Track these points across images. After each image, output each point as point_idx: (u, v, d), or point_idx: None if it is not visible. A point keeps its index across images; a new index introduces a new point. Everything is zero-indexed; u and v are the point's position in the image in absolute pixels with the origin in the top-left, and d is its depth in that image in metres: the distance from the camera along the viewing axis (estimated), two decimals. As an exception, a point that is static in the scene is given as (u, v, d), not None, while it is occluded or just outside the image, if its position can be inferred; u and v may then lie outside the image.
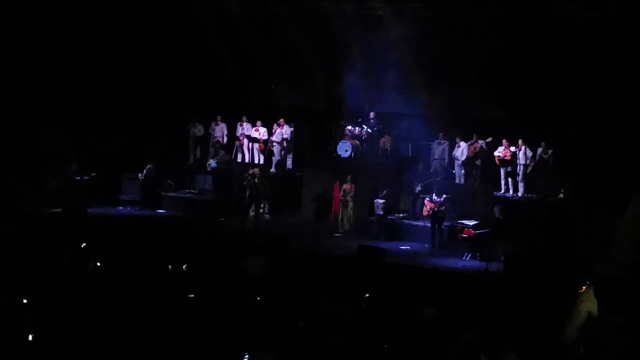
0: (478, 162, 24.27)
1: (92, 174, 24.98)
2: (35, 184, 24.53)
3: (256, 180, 23.14)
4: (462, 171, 24.36)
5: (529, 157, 23.46)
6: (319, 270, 16.53)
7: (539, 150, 23.35)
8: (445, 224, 22.25)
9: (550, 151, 23.21)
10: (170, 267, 14.63)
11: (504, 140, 23.69)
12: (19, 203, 22.72)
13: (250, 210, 23.34)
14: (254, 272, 14.51)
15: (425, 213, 22.52)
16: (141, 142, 26.71)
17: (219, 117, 27.26)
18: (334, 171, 24.66)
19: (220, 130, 27.25)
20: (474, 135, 24.15)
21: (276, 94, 28.10)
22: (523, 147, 23.46)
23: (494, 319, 12.42)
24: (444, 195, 22.17)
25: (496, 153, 23.88)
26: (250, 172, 23.54)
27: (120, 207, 25.56)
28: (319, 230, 23.76)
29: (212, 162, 26.28)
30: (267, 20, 27.16)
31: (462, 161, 24.19)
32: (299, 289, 13.83)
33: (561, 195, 23.26)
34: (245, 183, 23.53)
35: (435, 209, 21.98)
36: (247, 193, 23.29)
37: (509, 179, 23.99)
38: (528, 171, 23.53)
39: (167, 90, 27.16)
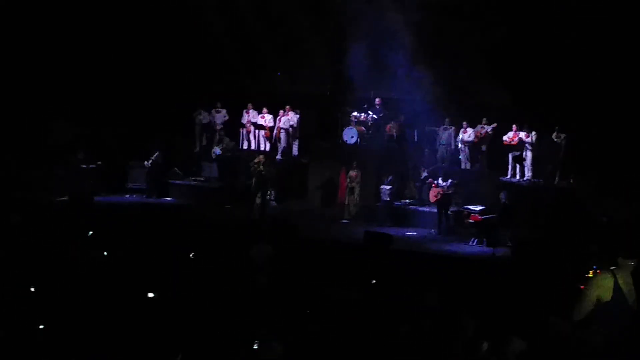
0: (484, 148, 24.24)
1: (98, 162, 25.00)
2: (42, 173, 24.58)
3: (261, 167, 23.17)
4: (467, 154, 24.28)
5: (534, 142, 23.39)
6: (325, 257, 16.55)
7: (554, 134, 23.25)
8: (451, 209, 22.23)
9: (563, 136, 23.11)
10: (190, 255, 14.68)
11: (513, 125, 23.63)
12: (26, 192, 22.78)
13: (257, 197, 23.36)
14: (261, 260, 14.56)
15: (433, 199, 22.46)
16: (148, 130, 26.70)
17: (218, 104, 27.24)
18: (339, 158, 24.64)
19: (221, 117, 27.22)
20: (484, 119, 24.11)
21: (282, 81, 28.08)
22: (530, 133, 23.40)
23: (500, 305, 12.43)
24: (449, 180, 22.12)
25: (505, 137, 23.83)
26: (255, 160, 23.57)
27: (127, 195, 25.59)
28: (325, 217, 23.76)
29: (217, 150, 26.29)
30: (272, 6, 27.10)
31: (470, 141, 24.09)
32: (307, 276, 13.85)
33: (571, 181, 23.26)
34: (251, 170, 23.56)
35: (443, 194, 21.93)
36: (253, 181, 23.32)
37: (517, 164, 23.93)
38: (533, 156, 23.49)
39: (173, 79, 27.13)
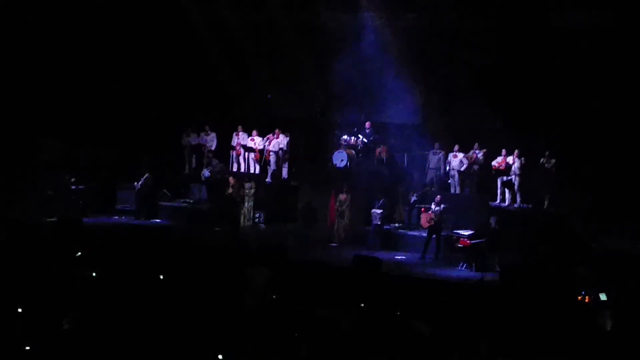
0: (475, 167, 24.18)
1: (80, 187, 24.94)
2: (30, 193, 24.48)
3: (230, 189, 23.35)
4: (457, 178, 24.28)
5: (521, 168, 23.40)
6: (314, 280, 16.51)
7: (544, 160, 23.26)
8: (441, 234, 22.19)
9: (553, 161, 23.13)
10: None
11: (503, 150, 23.65)
12: (15, 212, 22.67)
13: (241, 218, 23.65)
14: (258, 283, 14.53)
15: (426, 225, 22.41)
16: (137, 151, 26.69)
17: (207, 127, 27.25)
18: (329, 181, 24.63)
19: (211, 140, 27.24)
20: (475, 145, 24.11)
21: (272, 104, 28.10)
22: (519, 159, 23.41)
23: (489, 329, 12.41)
24: (443, 205, 22.12)
25: (494, 162, 23.85)
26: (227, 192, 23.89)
27: (116, 217, 25.51)
28: (315, 240, 23.69)
29: (206, 172, 26.30)
30: (263, 30, 27.21)
31: (460, 171, 24.07)
32: (295, 299, 13.81)
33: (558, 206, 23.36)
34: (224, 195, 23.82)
35: (436, 219, 21.89)
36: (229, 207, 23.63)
37: (505, 189, 23.93)
38: (519, 182, 23.49)
39: (163, 100, 27.17)
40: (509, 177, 23.56)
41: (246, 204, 24.54)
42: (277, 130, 26.11)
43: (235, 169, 27.03)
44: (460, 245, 21.16)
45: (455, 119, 25.49)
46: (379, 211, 22.95)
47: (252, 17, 27.33)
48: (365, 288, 16.29)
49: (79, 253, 16.26)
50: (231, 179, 23.95)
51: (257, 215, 24.89)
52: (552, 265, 18.82)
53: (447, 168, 24.32)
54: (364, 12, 25.64)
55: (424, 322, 11.72)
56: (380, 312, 13.36)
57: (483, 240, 20.79)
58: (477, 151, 24.08)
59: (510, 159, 23.54)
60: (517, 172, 23.43)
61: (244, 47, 27.59)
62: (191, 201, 26.60)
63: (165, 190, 26.46)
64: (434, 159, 24.72)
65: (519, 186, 23.56)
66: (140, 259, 16.78)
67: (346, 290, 15.61)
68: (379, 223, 22.95)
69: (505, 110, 23.59)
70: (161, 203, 26.16)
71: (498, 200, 24.11)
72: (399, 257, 22.05)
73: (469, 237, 21.02)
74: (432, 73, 25.24)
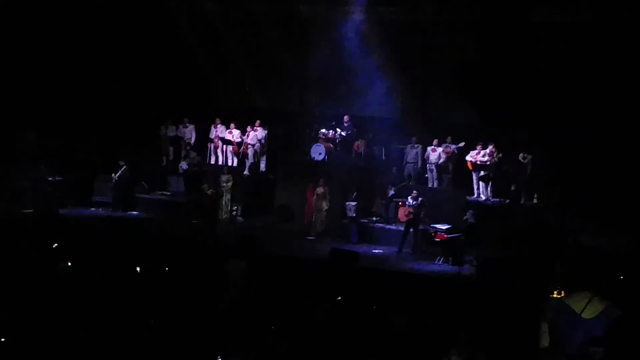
0: (450, 167, 24.31)
1: (58, 178, 24.83)
2: (6, 185, 24.33)
3: (208, 192, 23.32)
4: (435, 174, 24.35)
5: (499, 162, 23.51)
6: (291, 274, 16.51)
7: (520, 155, 23.37)
8: (418, 228, 22.24)
9: (529, 156, 23.25)
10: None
11: (478, 145, 23.76)
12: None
13: (221, 212, 23.53)
14: (236, 276, 14.51)
15: (404, 219, 22.47)
16: (115, 143, 26.57)
17: (186, 120, 27.22)
18: (307, 174, 24.62)
19: (189, 132, 27.22)
20: (448, 138, 24.21)
21: (250, 97, 28.07)
22: (493, 152, 23.51)
23: (466, 322, 12.46)
24: (420, 199, 22.17)
25: (468, 157, 23.95)
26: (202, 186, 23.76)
27: (93, 209, 25.39)
28: (292, 233, 23.70)
29: (184, 164, 26.28)
30: (242, 21, 27.17)
31: (438, 164, 24.16)
32: (272, 292, 13.81)
33: (535, 201, 23.47)
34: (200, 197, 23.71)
35: (413, 213, 21.94)
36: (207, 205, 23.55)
37: (481, 184, 24.03)
38: (491, 175, 23.59)
39: (141, 92, 27.06)
40: (486, 172, 23.66)
41: (224, 197, 24.49)
42: (257, 123, 26.07)
43: (213, 161, 27.02)
44: (437, 240, 21.21)
45: (434, 113, 25.56)
46: (353, 203, 22.99)
47: (232, 9, 27.26)
48: (342, 281, 16.32)
49: (55, 244, 16.18)
50: (205, 186, 23.75)
51: (234, 208, 24.85)
52: (529, 260, 18.90)
53: (430, 163, 24.39)
54: (343, 5, 25.66)
55: (400, 315, 11.75)
56: (356, 305, 13.38)
57: (460, 234, 20.86)
58: (451, 145, 24.15)
59: (483, 153, 23.60)
60: (492, 167, 23.53)
61: (223, 39, 27.53)
62: (169, 193, 26.56)
63: (142, 182, 26.37)
64: (411, 152, 24.78)
65: (493, 181, 23.65)
66: (117, 251, 16.74)
67: (323, 283, 15.63)
68: (353, 215, 22.99)
69: (483, 105, 23.66)
70: (138, 195, 26.07)
71: (475, 195, 24.21)
72: (377, 251, 22.08)
73: (446, 231, 21.09)
74: (410, 67, 25.28)
